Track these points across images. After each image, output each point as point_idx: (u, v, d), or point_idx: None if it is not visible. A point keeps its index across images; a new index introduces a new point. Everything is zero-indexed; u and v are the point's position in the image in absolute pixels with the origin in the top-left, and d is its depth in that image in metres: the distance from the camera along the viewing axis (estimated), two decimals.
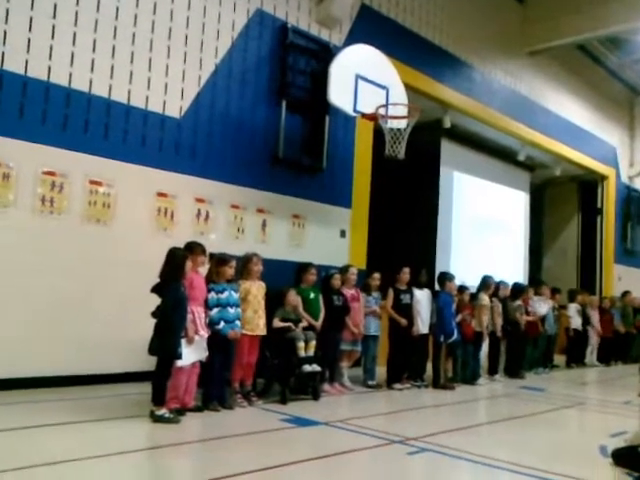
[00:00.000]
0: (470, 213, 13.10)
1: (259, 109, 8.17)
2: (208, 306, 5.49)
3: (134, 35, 6.96)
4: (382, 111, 7.95)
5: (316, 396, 6.28)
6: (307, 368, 6.10)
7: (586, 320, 11.27)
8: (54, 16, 6.36)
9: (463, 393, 7.46)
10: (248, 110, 8.04)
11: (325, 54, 8.71)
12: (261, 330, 5.93)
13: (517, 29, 12.88)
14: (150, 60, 7.09)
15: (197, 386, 5.43)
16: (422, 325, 7.62)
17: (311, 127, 8.77)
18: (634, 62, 15.15)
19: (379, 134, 8.43)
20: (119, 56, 6.82)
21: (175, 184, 7.21)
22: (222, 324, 5.50)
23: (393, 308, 7.48)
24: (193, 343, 5.17)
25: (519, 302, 9.26)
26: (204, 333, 5.33)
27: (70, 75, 6.45)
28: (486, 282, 8.66)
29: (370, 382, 7.35)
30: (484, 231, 13.32)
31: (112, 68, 6.77)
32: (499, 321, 8.70)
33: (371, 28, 9.44)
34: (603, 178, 15.90)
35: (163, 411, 4.88)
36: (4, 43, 6.02)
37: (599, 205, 15.96)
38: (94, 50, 6.63)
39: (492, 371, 8.72)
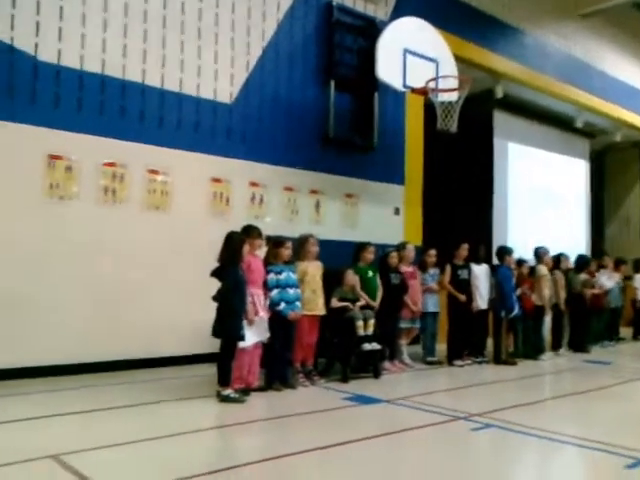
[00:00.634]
0: (527, 184, 12.76)
1: (308, 90, 8.16)
2: (268, 287, 5.57)
3: (182, 23, 7.04)
4: (432, 85, 7.82)
5: (377, 374, 6.32)
6: (367, 347, 6.13)
7: None
8: (105, 9, 6.51)
9: (526, 368, 7.35)
10: (297, 91, 8.05)
11: (372, 30, 8.59)
12: (320, 310, 5.99)
13: None
14: (199, 48, 7.17)
15: (260, 366, 5.54)
16: (481, 300, 7.53)
17: (360, 105, 8.71)
18: None
19: (430, 108, 8.29)
20: (169, 45, 6.93)
21: (229, 169, 7.31)
22: (283, 305, 5.58)
23: (451, 284, 7.41)
24: (254, 325, 5.27)
25: (585, 275, 9.00)
26: (264, 315, 5.42)
27: (123, 67, 6.60)
28: (538, 253, 8.45)
29: (430, 358, 7.33)
30: (542, 202, 12.96)
31: (163, 58, 6.89)
32: (562, 294, 8.50)
33: (417, 0, 9.23)
34: None
35: (229, 391, 5.02)
36: (59, 39, 6.21)
37: None
38: (145, 41, 6.76)
39: (556, 345, 8.55)
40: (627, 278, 10.74)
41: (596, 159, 15.43)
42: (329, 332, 6.21)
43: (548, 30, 11.89)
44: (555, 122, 13.46)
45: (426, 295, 7.33)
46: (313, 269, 6.03)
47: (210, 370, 5.28)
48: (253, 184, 7.55)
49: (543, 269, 8.26)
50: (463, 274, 7.47)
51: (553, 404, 5.58)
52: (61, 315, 6.04)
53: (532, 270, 8.26)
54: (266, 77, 7.76)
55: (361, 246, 6.80)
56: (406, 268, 7.15)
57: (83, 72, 6.33)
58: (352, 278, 6.42)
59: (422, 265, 7.48)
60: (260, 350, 5.49)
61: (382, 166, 8.88)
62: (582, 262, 9.23)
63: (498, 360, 7.57)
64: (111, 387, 5.62)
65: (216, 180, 7.22)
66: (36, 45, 6.06)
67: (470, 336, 7.50)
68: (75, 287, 6.15)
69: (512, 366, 7.43)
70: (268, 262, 5.71)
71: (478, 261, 7.68)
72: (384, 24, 8.38)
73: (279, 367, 5.65)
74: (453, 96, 7.88)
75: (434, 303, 7.46)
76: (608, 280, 9.65)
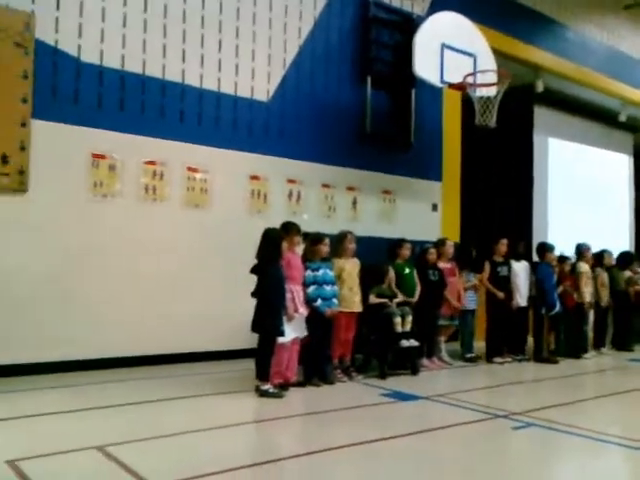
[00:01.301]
0: (568, 180, 12.50)
1: (344, 87, 8.16)
2: (305, 284, 5.59)
3: (220, 23, 7.12)
4: (470, 80, 7.73)
5: (415, 371, 6.29)
6: (404, 343, 6.11)
7: None
8: (145, 10, 6.62)
9: (567, 367, 7.21)
10: (333, 88, 8.06)
11: (408, 25, 8.54)
12: (357, 307, 5.99)
13: None
14: (237, 47, 7.24)
15: (298, 362, 5.58)
16: (520, 298, 7.42)
17: (397, 101, 8.66)
18: None
19: (468, 103, 8.20)
20: (208, 45, 7.02)
21: (266, 166, 7.37)
22: (319, 301, 5.59)
23: (490, 281, 7.32)
24: (293, 321, 5.30)
25: (629, 273, 8.79)
26: (303, 311, 5.43)
27: (163, 67, 6.71)
28: (580, 249, 8.28)
29: (468, 355, 7.25)
30: (584, 198, 12.67)
31: (202, 57, 6.98)
32: (604, 292, 8.31)
33: None
34: None
35: (267, 386, 5.06)
36: (102, 40, 6.34)
37: None
38: (184, 41, 6.86)
39: (598, 344, 8.37)
40: None
41: None
42: (367, 328, 6.21)
43: (590, 23, 11.62)
44: (597, 116, 13.14)
45: (466, 292, 7.25)
46: (350, 266, 6.03)
47: (250, 365, 5.33)
48: (290, 181, 7.59)
49: (584, 266, 8.10)
50: (503, 271, 7.37)
51: (596, 404, 5.46)
52: (106, 310, 6.19)
53: (574, 267, 8.10)
54: (303, 74, 7.79)
55: (397, 243, 6.78)
56: (445, 264, 7.09)
57: (125, 72, 6.46)
58: (391, 275, 6.40)
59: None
60: (298, 346, 5.51)
61: (419, 162, 8.82)
62: (626, 259, 9.00)
63: (539, 358, 7.45)
64: (154, 380, 5.73)
65: (254, 177, 7.28)
66: (79, 47, 6.21)
67: (509, 334, 7.39)
68: (119, 282, 6.29)
69: (553, 364, 7.30)
70: (306, 259, 5.73)
71: (517, 258, 7.57)
72: (421, 19, 8.32)
73: (317, 363, 5.67)
74: (492, 91, 7.78)
75: (473, 300, 7.38)
76: None
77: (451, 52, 7.82)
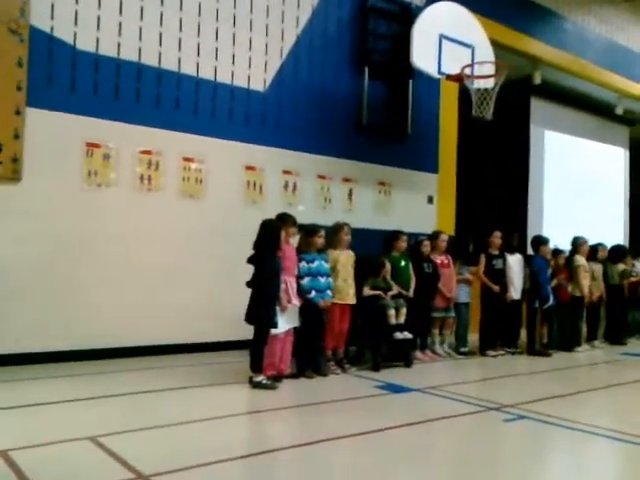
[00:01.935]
0: (563, 173, 12.51)
1: (342, 77, 8.13)
2: (299, 275, 5.60)
3: (217, 11, 7.07)
4: (468, 71, 7.70)
5: (408, 363, 6.31)
6: (398, 335, 6.13)
7: None
8: None
9: (560, 360, 7.25)
10: (331, 79, 8.02)
11: (407, 16, 8.50)
12: (351, 299, 6.00)
13: None
14: (234, 35, 7.19)
15: (292, 354, 5.59)
16: (514, 291, 7.45)
17: (395, 92, 8.64)
18: None
19: (465, 95, 8.17)
20: (204, 33, 6.96)
21: (262, 157, 7.35)
22: (313, 293, 5.60)
23: (485, 274, 7.33)
24: (286, 312, 5.30)
25: (622, 266, 8.82)
26: (296, 302, 5.44)
27: (159, 55, 6.66)
28: (576, 242, 8.29)
29: (462, 349, 7.27)
30: (579, 191, 12.69)
31: (198, 46, 6.93)
32: (596, 285, 8.33)
33: None
34: None
35: (261, 378, 5.08)
36: (98, 28, 6.29)
37: None
38: (181, 29, 6.81)
39: (591, 337, 8.41)
40: None
41: (636, 147, 15.02)
42: (361, 320, 6.22)
43: (589, 14, 11.58)
44: (594, 109, 13.14)
45: (458, 285, 7.27)
46: (345, 258, 6.04)
47: (244, 356, 5.34)
48: (286, 172, 7.57)
49: (581, 259, 8.12)
50: (498, 264, 7.39)
51: (587, 396, 5.49)
52: (101, 299, 6.18)
53: (568, 260, 8.12)
54: (300, 64, 7.75)
55: (394, 235, 6.76)
56: (439, 257, 7.10)
57: (120, 61, 6.42)
58: (387, 267, 6.40)
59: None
60: (292, 337, 5.52)
61: (415, 154, 8.81)
62: (619, 252, 9.03)
63: (531, 351, 7.50)
64: (148, 371, 5.75)
65: (250, 168, 7.26)
66: (75, 34, 6.16)
67: (503, 327, 7.43)
68: (113, 272, 6.28)
69: (546, 357, 7.35)
70: (301, 250, 5.73)
71: (511, 251, 7.58)
72: (419, 9, 8.27)
73: (311, 355, 5.69)
74: (489, 82, 7.75)
75: (466, 293, 7.39)
76: None
77: (449, 43, 7.78)
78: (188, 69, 6.85)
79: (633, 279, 9.04)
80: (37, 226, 5.87)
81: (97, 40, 6.28)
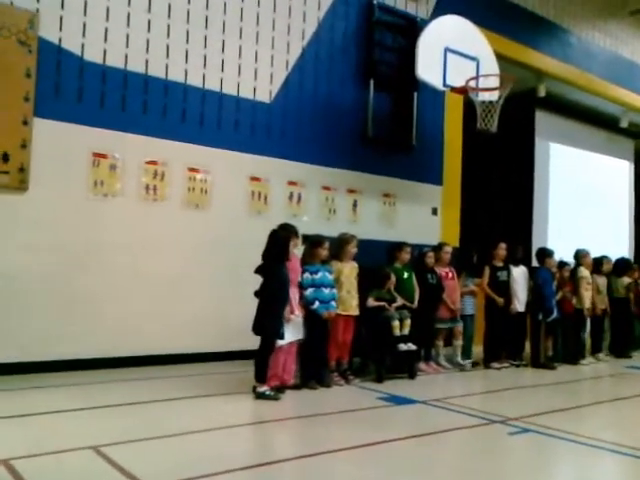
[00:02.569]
0: (569, 186, 12.50)
1: (347, 89, 8.17)
2: (303, 286, 5.60)
3: (224, 23, 7.13)
4: (473, 84, 7.73)
5: (412, 375, 6.29)
6: (402, 347, 6.11)
7: None
8: (149, 10, 6.63)
9: (565, 373, 7.22)
10: (336, 91, 8.06)
11: (412, 29, 8.55)
12: (354, 310, 5.99)
13: None
14: (240, 47, 7.25)
15: (295, 365, 5.58)
16: (519, 303, 7.42)
17: (400, 104, 8.67)
18: None
19: (469, 107, 8.20)
20: (211, 45, 7.02)
21: (267, 168, 7.37)
22: (317, 304, 5.60)
23: (490, 286, 7.31)
24: (290, 323, 5.29)
25: (628, 279, 8.79)
26: (299, 313, 5.44)
27: (166, 66, 6.72)
28: (578, 255, 8.28)
29: (466, 361, 7.23)
30: (584, 204, 12.67)
31: (205, 58, 6.98)
32: (599, 298, 8.31)
33: None
34: None
35: (264, 388, 5.06)
36: (105, 40, 6.35)
37: None
38: (187, 41, 6.87)
39: (595, 350, 8.37)
40: None
41: None
42: (365, 332, 6.21)
43: (594, 28, 11.63)
44: (599, 122, 13.14)
45: (464, 297, 7.25)
46: (348, 269, 6.04)
47: (249, 366, 5.33)
48: (291, 183, 7.59)
49: (583, 271, 8.10)
50: (502, 276, 7.38)
51: (592, 410, 5.47)
52: (107, 309, 6.19)
53: (573, 273, 8.10)
54: (305, 76, 7.80)
55: (397, 246, 6.76)
56: (442, 269, 7.09)
57: (127, 72, 6.47)
58: (392, 279, 6.40)
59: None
60: (295, 348, 5.52)
61: (420, 166, 8.83)
62: (623, 265, 9.01)
63: (535, 364, 7.46)
64: (152, 381, 5.74)
65: (255, 179, 7.29)
66: (82, 45, 6.22)
67: (508, 339, 7.40)
68: (119, 282, 6.29)
69: (551, 370, 7.30)
70: (305, 261, 5.74)
71: (516, 263, 7.57)
72: (425, 23, 8.32)
73: (314, 366, 5.68)
74: (494, 95, 7.77)
75: (471, 305, 7.38)
76: None
77: (454, 56, 7.82)
78: (194, 80, 6.90)
79: None
80: (43, 235, 5.89)
81: (104, 51, 6.34)
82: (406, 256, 6.71)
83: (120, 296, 6.30)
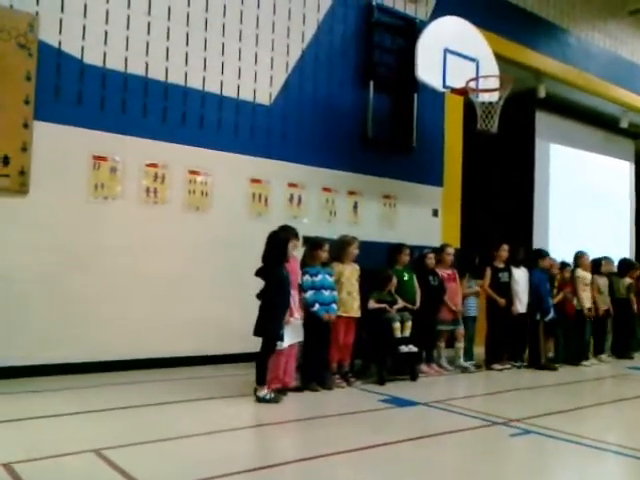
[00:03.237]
0: (569, 186, 12.50)
1: (347, 91, 8.17)
2: (303, 289, 5.59)
3: (224, 26, 7.13)
4: (472, 85, 7.73)
5: (414, 377, 6.28)
6: (403, 349, 6.10)
7: None
8: (149, 13, 6.63)
9: (566, 374, 7.20)
10: (336, 93, 8.06)
11: (412, 30, 8.55)
12: (355, 312, 5.98)
13: None
14: (240, 50, 7.25)
15: (297, 367, 5.56)
16: (520, 304, 7.41)
17: (400, 106, 8.67)
18: None
19: (469, 108, 8.20)
20: (211, 48, 7.02)
21: (268, 170, 7.37)
22: (317, 306, 5.59)
23: (491, 287, 7.31)
24: (290, 326, 5.27)
25: (629, 280, 8.78)
26: (298, 316, 5.42)
27: (166, 69, 6.72)
28: (576, 256, 8.28)
29: (468, 362, 7.21)
30: (584, 205, 12.67)
31: (205, 60, 6.98)
32: (599, 298, 8.30)
33: None
34: None
35: (265, 392, 5.04)
36: (105, 43, 6.35)
37: None
38: (187, 44, 6.87)
39: (597, 351, 8.35)
40: None
41: None
42: (366, 334, 6.20)
43: (593, 29, 11.63)
44: (599, 123, 13.15)
45: (467, 299, 7.25)
46: (349, 271, 6.03)
47: (250, 369, 5.32)
48: (291, 185, 7.59)
49: (580, 272, 8.11)
50: (504, 277, 7.37)
51: (594, 411, 5.45)
52: (107, 312, 6.18)
53: (573, 274, 8.10)
54: (305, 78, 7.80)
55: (397, 248, 6.76)
56: (445, 270, 7.09)
57: (127, 75, 6.47)
58: (394, 281, 6.39)
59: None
60: (296, 350, 5.51)
61: (420, 167, 8.82)
62: (625, 266, 9.01)
63: (534, 364, 7.45)
64: (153, 384, 5.73)
65: (255, 181, 7.29)
66: (82, 48, 6.22)
67: (509, 340, 7.39)
68: (119, 285, 6.29)
69: (552, 371, 7.29)
70: (305, 263, 5.73)
71: (517, 264, 7.56)
72: (424, 24, 8.32)
73: (316, 368, 5.67)
74: (494, 96, 7.77)
75: (474, 307, 7.37)
76: None
77: (454, 57, 7.82)
78: (194, 83, 6.90)
79: None
80: (44, 238, 5.89)
81: (104, 54, 6.34)
82: (405, 258, 6.71)
83: (120, 298, 6.29)
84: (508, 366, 7.30)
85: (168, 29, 6.76)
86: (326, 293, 5.67)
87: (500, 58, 8.50)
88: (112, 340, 6.19)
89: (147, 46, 6.62)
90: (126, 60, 6.47)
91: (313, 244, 5.81)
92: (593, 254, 8.56)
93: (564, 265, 8.06)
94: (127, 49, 6.48)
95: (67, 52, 6.12)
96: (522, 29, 10.14)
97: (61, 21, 6.10)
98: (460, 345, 7.09)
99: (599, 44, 11.74)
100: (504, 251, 7.44)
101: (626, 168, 14.25)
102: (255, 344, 5.15)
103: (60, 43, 6.09)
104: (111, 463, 3.38)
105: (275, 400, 5.03)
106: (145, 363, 6.30)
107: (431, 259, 6.95)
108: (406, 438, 4.10)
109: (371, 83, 8.30)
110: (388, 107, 8.55)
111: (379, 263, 6.65)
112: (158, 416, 4.61)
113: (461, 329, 7.11)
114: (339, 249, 6.03)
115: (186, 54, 6.86)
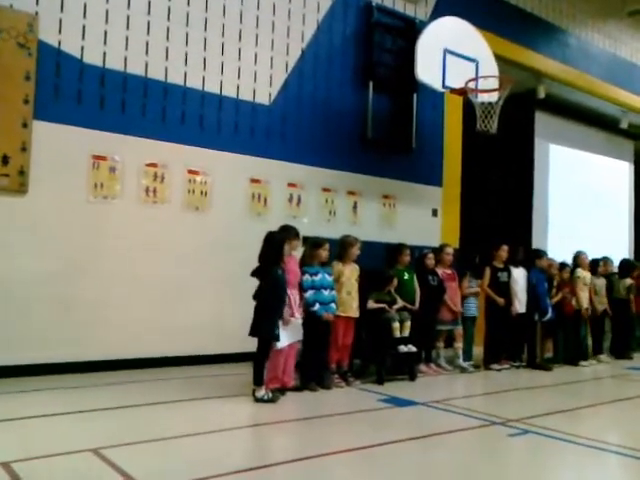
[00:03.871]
0: (568, 187, 12.51)
1: (346, 91, 8.18)
2: (303, 288, 5.59)
3: (223, 26, 7.13)
4: (472, 85, 7.74)
5: (412, 376, 6.29)
6: (402, 349, 6.11)
7: None
8: (148, 13, 6.63)
9: (565, 374, 7.21)
10: (336, 93, 8.07)
11: (411, 30, 8.56)
12: (354, 312, 5.98)
13: None
14: (239, 50, 7.25)
15: (296, 367, 5.56)
16: (519, 304, 7.41)
17: (399, 106, 8.68)
18: None
19: (469, 109, 8.21)
20: (210, 47, 7.03)
21: (267, 170, 7.38)
22: (317, 306, 5.59)
23: (490, 287, 7.31)
24: (288, 325, 5.28)
25: (630, 280, 8.79)
26: (298, 315, 5.42)
27: (166, 69, 6.72)
28: (576, 256, 8.30)
29: (467, 362, 7.21)
30: (584, 205, 12.68)
31: (204, 60, 6.99)
32: (597, 299, 8.30)
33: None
34: None
35: (262, 393, 5.03)
36: (104, 42, 6.36)
37: None
38: (187, 43, 6.87)
39: (596, 351, 8.36)
40: None
41: None
42: (365, 333, 6.20)
43: (593, 29, 11.64)
44: (599, 123, 13.16)
45: (468, 299, 7.25)
46: (349, 271, 6.03)
47: (249, 368, 5.32)
48: (291, 185, 7.60)
49: (579, 272, 8.12)
50: (503, 277, 7.37)
51: (593, 411, 5.45)
52: (106, 311, 6.19)
53: (572, 274, 8.11)
54: (305, 78, 7.81)
55: (397, 248, 6.76)
56: (444, 270, 7.09)
57: (127, 74, 6.47)
58: (394, 282, 6.39)
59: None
60: (295, 350, 5.51)
61: (420, 167, 8.83)
62: (626, 266, 9.01)
63: (532, 364, 7.45)
64: (152, 383, 5.73)
65: (254, 180, 7.29)
66: (82, 48, 6.22)
67: (508, 340, 7.39)
68: (118, 284, 6.29)
69: (547, 371, 7.29)
70: (304, 263, 5.73)
71: (516, 264, 7.56)
72: (424, 24, 8.32)
73: (315, 368, 5.67)
74: (493, 96, 7.78)
75: (473, 307, 7.37)
76: None
77: (453, 57, 7.83)
78: (194, 83, 6.90)
79: None
80: (43, 238, 5.89)
81: (104, 54, 6.34)
82: (406, 258, 6.71)
83: (119, 297, 6.29)
84: (507, 366, 7.31)
85: (168, 29, 6.76)
86: (325, 293, 5.67)
87: (500, 59, 8.50)
88: (111, 339, 6.20)
89: (147, 46, 6.62)
90: (126, 60, 6.48)
91: (314, 244, 5.81)
92: (592, 254, 8.58)
93: (563, 266, 8.06)
94: (127, 49, 6.49)
95: (67, 52, 6.13)
96: (522, 30, 10.15)
97: (61, 21, 6.10)
98: (459, 345, 7.10)
99: (599, 45, 11.75)
100: (503, 251, 7.45)
101: (626, 169, 14.26)
102: (253, 344, 5.15)
103: (60, 43, 6.10)
104: (109, 462, 3.38)
105: (273, 399, 5.03)
106: (143, 362, 6.30)
107: (430, 259, 6.95)
108: (405, 438, 4.10)
109: (371, 83, 8.31)
110: (388, 107, 8.56)
111: (378, 263, 6.66)
112: (156, 415, 4.61)
113: (460, 329, 7.11)
114: (341, 249, 6.03)
115: (186, 54, 6.86)
